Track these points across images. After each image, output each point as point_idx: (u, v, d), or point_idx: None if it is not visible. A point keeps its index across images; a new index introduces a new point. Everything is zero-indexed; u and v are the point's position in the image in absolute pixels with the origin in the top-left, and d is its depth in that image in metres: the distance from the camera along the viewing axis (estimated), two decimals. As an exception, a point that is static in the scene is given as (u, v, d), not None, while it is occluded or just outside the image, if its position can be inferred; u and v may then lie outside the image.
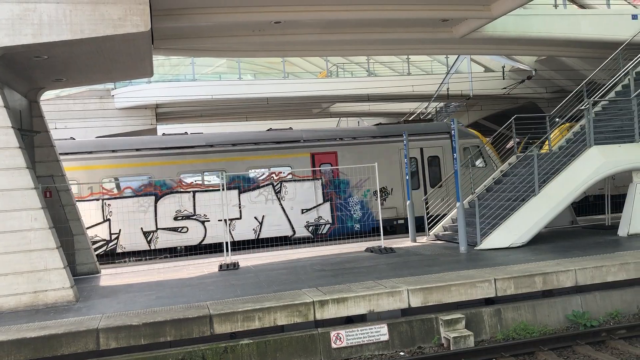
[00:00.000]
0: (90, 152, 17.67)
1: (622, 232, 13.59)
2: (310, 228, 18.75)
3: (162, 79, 30.57)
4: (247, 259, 14.09)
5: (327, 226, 18.92)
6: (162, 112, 28.69)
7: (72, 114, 25.85)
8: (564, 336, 8.81)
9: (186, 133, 19.52)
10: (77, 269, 13.28)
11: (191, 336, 8.36)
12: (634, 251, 11.26)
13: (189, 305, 9.09)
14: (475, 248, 12.95)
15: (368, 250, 14.04)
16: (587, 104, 13.78)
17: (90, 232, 16.78)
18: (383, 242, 14.43)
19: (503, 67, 26.63)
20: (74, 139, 18.99)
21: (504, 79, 26.89)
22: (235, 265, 12.88)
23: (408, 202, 15.55)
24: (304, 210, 18.80)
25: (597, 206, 20.86)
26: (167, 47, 14.82)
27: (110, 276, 13.03)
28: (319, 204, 18.93)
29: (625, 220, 13.60)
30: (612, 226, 14.70)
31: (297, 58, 34.45)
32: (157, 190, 17.81)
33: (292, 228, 18.63)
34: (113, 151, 17.77)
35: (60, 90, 25.62)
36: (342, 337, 8.66)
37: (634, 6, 20.42)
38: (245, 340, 8.40)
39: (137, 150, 17.95)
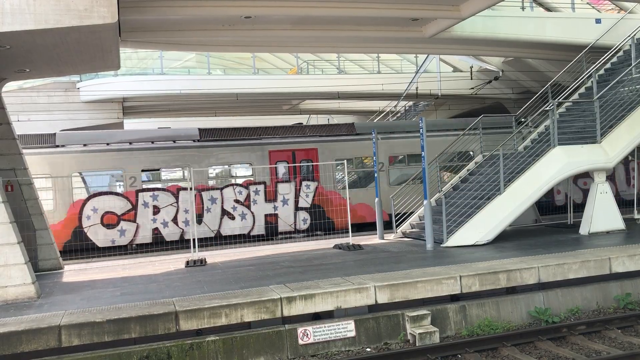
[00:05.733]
0: None
1: (583, 230, 13.94)
2: None
3: (129, 72, 30.05)
4: (214, 255, 13.98)
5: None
6: (129, 106, 28.22)
7: (36, 106, 25.23)
8: (527, 332, 8.99)
9: None
10: (39, 265, 12.97)
11: (156, 333, 8.26)
12: (594, 249, 11.57)
13: (154, 302, 8.97)
14: (441, 245, 13.11)
15: (336, 247, 14.08)
16: (552, 105, 14.08)
17: None
18: (351, 239, 14.48)
19: (471, 67, 26.98)
20: None
21: (471, 79, 27.26)
22: (202, 262, 12.77)
23: (376, 200, 15.64)
24: None
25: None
26: (135, 40, 14.57)
27: (74, 272, 12.77)
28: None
29: (587, 219, 13.94)
30: (574, 225, 15.06)
31: (267, 54, 34.28)
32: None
33: None
34: None
35: (24, 82, 24.96)
36: (309, 334, 8.67)
37: (598, 10, 20.95)
38: (211, 337, 8.33)
39: None
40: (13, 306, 9.43)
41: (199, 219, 17.83)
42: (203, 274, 11.38)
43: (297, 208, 18.81)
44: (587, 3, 21.44)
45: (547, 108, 14.27)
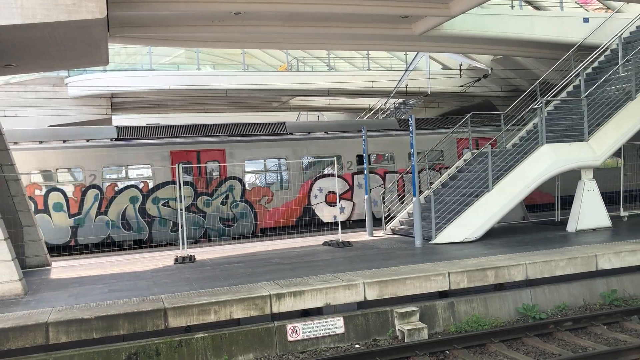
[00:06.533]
0: None
1: (570, 227, 14.06)
2: None
3: (118, 68, 29.83)
4: (204, 252, 13.95)
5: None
6: (118, 102, 28.04)
7: (23, 101, 25.00)
8: (514, 328, 9.06)
9: None
10: (26, 262, 12.87)
11: (145, 330, 8.24)
12: (581, 246, 11.68)
13: (143, 299, 8.95)
14: (430, 242, 13.17)
15: (326, 243, 14.10)
16: (540, 103, 14.17)
17: None
18: (341, 235, 14.51)
19: (460, 65, 27.07)
20: None
21: (460, 77, 27.35)
22: (191, 259, 12.74)
23: (365, 197, 15.67)
24: None
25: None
26: (124, 35, 14.49)
27: (62, 269, 12.69)
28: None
29: (574, 216, 14.06)
30: (562, 222, 15.18)
31: (257, 50, 34.17)
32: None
33: None
34: None
35: (10, 77, 24.72)
36: (298, 330, 8.69)
37: (586, 9, 21.10)
38: (200, 334, 8.33)
39: None
40: (0, 303, 9.36)
41: (402, 198, 20.06)
42: (192, 271, 11.36)
43: None
44: (575, 2, 21.58)
45: (536, 106, 14.37)
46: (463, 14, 15.06)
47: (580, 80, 15.64)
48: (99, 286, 10.32)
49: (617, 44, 16.54)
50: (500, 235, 14.01)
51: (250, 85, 26.59)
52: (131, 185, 17.18)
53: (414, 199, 13.19)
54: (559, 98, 16.46)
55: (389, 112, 32.11)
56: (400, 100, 32.28)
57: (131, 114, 34.45)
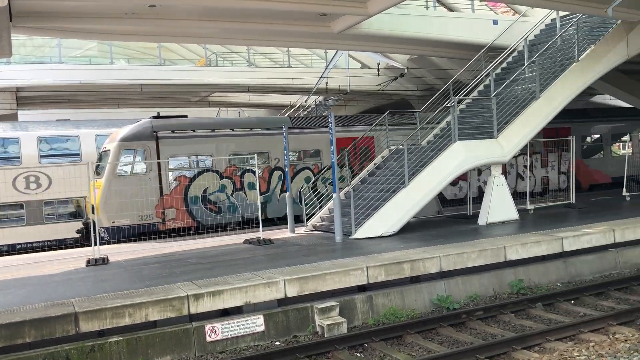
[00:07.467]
0: None
1: (481, 221, 14.71)
2: None
3: (23, 60, 28.15)
4: (118, 253, 13.44)
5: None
6: (24, 97, 26.41)
7: None
8: (429, 319, 9.37)
9: None
10: None
11: (54, 336, 7.84)
12: (491, 239, 12.25)
13: (51, 303, 8.50)
14: (350, 237, 13.36)
15: (246, 242, 13.98)
16: (453, 101, 14.71)
17: None
18: (262, 233, 14.43)
19: (378, 64, 27.60)
20: None
21: (379, 75, 27.89)
22: (104, 260, 12.24)
23: (287, 194, 15.68)
24: None
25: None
26: (28, 26, 13.63)
27: (-40, 275, 11.83)
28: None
29: (485, 210, 14.73)
30: (474, 216, 15.85)
31: (174, 44, 33.28)
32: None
33: None
34: None
35: None
36: (217, 330, 8.56)
37: (495, 12, 22.11)
38: (114, 338, 8.02)
39: None
40: None
41: None
42: (105, 273, 10.92)
43: (559, 172, 23.82)
44: (486, 5, 22.54)
45: (449, 105, 14.90)
46: (380, 14, 15.33)
47: (490, 80, 16.37)
48: (2, 292, 9.70)
49: (524, 46, 17.45)
50: (416, 229, 14.44)
51: (166, 80, 25.83)
52: (305, 167, 19.67)
53: (334, 195, 13.33)
54: (470, 97, 17.15)
55: (309, 109, 32.28)
56: (321, 98, 32.53)
57: (39, 109, 32.61)
